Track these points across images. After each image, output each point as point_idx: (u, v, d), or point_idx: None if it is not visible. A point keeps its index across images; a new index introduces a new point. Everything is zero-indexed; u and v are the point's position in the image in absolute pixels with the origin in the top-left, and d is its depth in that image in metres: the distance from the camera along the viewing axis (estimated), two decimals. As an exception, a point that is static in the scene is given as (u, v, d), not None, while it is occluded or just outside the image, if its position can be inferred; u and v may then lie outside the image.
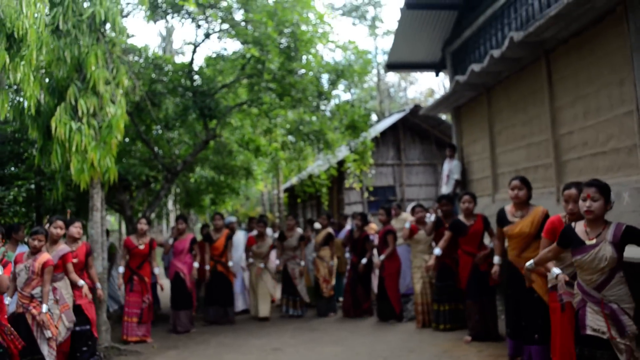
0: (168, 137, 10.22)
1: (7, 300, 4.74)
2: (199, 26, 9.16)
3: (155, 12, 8.64)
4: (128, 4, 8.44)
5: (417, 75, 32.84)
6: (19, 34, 5.30)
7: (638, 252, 4.62)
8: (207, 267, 8.15)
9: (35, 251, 5.13)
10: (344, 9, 26.82)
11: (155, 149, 9.77)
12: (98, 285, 6.05)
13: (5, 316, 4.52)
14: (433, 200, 15.12)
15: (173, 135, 10.41)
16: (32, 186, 7.91)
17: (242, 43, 8.85)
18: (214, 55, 9.68)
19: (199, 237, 9.13)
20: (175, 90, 9.18)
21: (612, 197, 3.53)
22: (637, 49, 4.94)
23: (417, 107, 15.31)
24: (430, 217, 7.45)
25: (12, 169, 8.34)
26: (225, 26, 8.97)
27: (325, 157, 12.07)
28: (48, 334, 5.03)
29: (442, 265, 6.74)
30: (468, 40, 9.00)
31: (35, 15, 5.49)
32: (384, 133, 15.40)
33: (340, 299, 8.76)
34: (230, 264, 8.34)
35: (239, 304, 9.02)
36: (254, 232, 9.03)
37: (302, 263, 8.71)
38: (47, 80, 6.66)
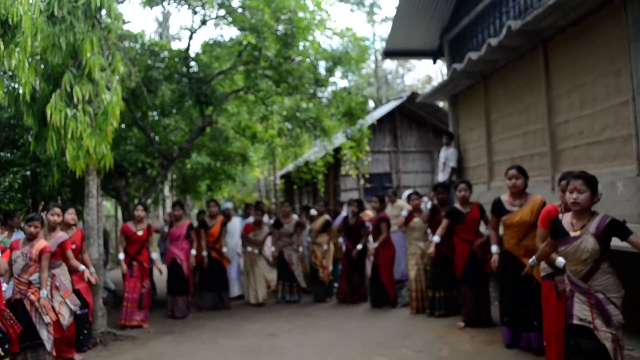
0: (164, 124, 10.19)
1: (4, 286, 4.77)
2: (195, 12, 9.09)
3: (151, -3, 8.57)
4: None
5: (414, 62, 32.68)
6: (13, 21, 5.26)
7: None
8: (205, 254, 8.19)
9: (31, 237, 5.15)
10: (342, -6, 26.62)
11: (152, 135, 9.75)
12: (92, 270, 6.07)
13: (3, 302, 4.55)
14: (429, 188, 15.17)
15: (169, 121, 10.37)
16: (28, 172, 7.91)
17: (239, 30, 8.79)
18: (211, 42, 9.62)
19: (195, 223, 9.14)
20: (171, 77, 9.13)
21: (600, 190, 3.56)
22: (635, 40, 4.94)
23: (414, 95, 15.30)
24: (427, 204, 7.48)
25: (8, 155, 8.32)
26: (222, 12, 8.91)
27: (321, 144, 12.06)
28: (47, 319, 5.07)
29: (437, 253, 6.78)
30: (466, 28, 8.97)
31: (30, 1, 5.45)
32: (380, 120, 15.38)
33: (336, 284, 8.82)
34: (224, 249, 8.37)
35: (235, 290, 9.08)
36: (251, 219, 9.06)
37: (301, 249, 8.76)
38: (42, 66, 6.64)
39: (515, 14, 7.25)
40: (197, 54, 9.55)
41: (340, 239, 8.51)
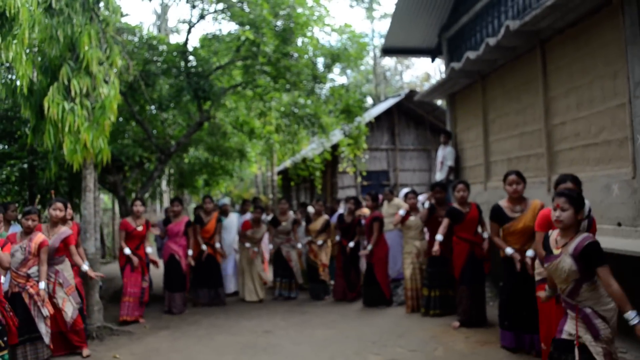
0: (162, 118, 10.17)
1: (2, 279, 4.78)
2: (194, 6, 9.07)
3: (150, -10, 8.54)
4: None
5: (413, 59, 32.69)
6: (10, 13, 5.25)
7: (630, 244, 4.70)
8: (204, 247, 8.19)
9: (29, 231, 5.15)
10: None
11: (149, 129, 9.74)
12: (87, 264, 6.06)
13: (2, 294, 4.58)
14: (426, 186, 15.22)
15: (167, 116, 10.36)
16: (25, 165, 7.89)
17: (238, 24, 8.77)
18: (209, 36, 9.59)
19: (191, 217, 9.14)
20: (169, 71, 9.12)
21: (586, 208, 3.53)
22: (632, 42, 4.95)
23: (412, 92, 15.30)
24: (425, 204, 7.47)
25: (5, 147, 8.30)
26: (221, 6, 8.89)
27: (319, 141, 12.07)
28: (45, 312, 5.08)
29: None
30: (464, 26, 8.97)
31: (28, -7, 5.42)
32: (378, 117, 15.38)
33: (332, 282, 8.83)
34: (217, 245, 8.36)
35: (231, 286, 9.07)
36: (248, 216, 9.05)
37: (300, 246, 8.77)
38: (39, 59, 6.61)
39: (514, 13, 7.25)
40: (196, 49, 9.53)
41: (337, 237, 8.49)
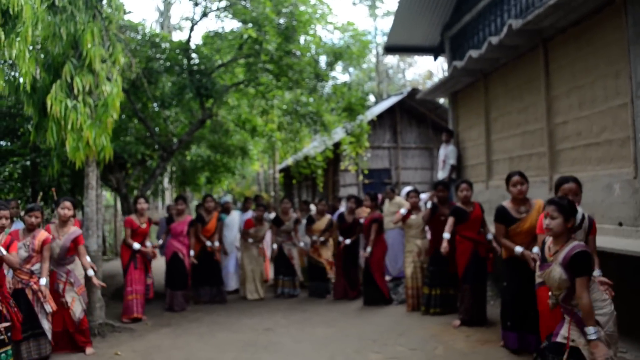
0: (164, 116, 10.19)
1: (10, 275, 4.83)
2: (196, 4, 9.08)
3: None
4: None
5: (416, 57, 32.64)
6: (14, 10, 5.25)
7: (631, 244, 4.70)
8: (208, 243, 8.21)
9: (32, 228, 5.18)
10: (344, -13, 26.55)
11: (152, 127, 9.75)
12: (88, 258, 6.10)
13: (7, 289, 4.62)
14: (428, 184, 15.21)
15: (169, 113, 10.38)
16: (28, 162, 7.93)
17: (241, 22, 8.78)
18: (212, 34, 9.60)
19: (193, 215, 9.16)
20: (172, 69, 9.13)
21: (579, 216, 3.55)
22: (634, 42, 4.94)
23: (414, 91, 15.28)
24: (428, 204, 7.45)
25: (8, 144, 8.34)
26: (223, 4, 8.90)
27: (321, 139, 12.07)
28: (48, 308, 5.11)
29: (436, 251, 6.83)
30: (467, 25, 8.96)
31: (31, -9, 5.43)
32: (380, 116, 15.38)
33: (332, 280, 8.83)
34: (216, 244, 8.37)
35: (232, 284, 9.09)
36: (250, 214, 9.06)
37: (302, 244, 8.78)
38: (42, 56, 6.63)
39: (517, 12, 7.24)
40: (198, 46, 9.53)
41: (340, 237, 8.46)
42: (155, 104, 9.78)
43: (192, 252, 7.96)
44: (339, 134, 12.04)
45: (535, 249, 4.89)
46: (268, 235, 9.28)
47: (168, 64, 9.09)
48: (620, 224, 5.21)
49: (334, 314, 7.27)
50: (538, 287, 4.41)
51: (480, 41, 8.33)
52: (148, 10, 47.44)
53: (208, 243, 8.20)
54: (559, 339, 3.47)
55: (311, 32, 9.05)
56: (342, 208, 9.65)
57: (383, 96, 24.50)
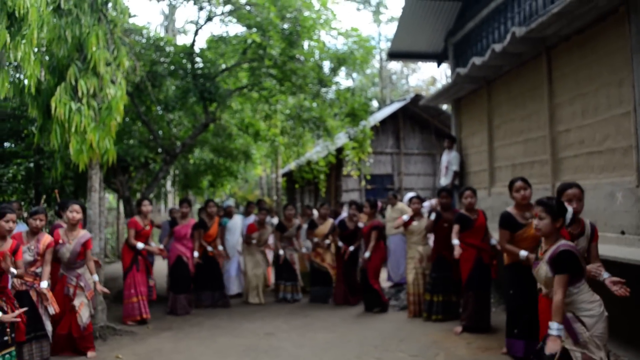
0: (168, 119, 10.22)
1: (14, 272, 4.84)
2: (201, 8, 9.12)
3: (157, -8, 8.60)
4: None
5: (420, 63, 32.67)
6: (20, 13, 5.28)
7: (634, 253, 4.69)
8: (210, 249, 8.22)
9: (36, 231, 5.19)
10: (349, -7, 26.63)
11: (155, 130, 9.78)
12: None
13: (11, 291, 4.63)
14: (431, 190, 15.20)
15: (173, 116, 10.41)
16: (32, 164, 7.95)
17: (247, 27, 8.81)
18: (216, 38, 9.64)
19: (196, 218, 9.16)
20: (176, 73, 9.17)
21: (568, 215, 3.58)
22: (638, 51, 4.95)
23: (417, 97, 15.26)
24: (432, 216, 7.39)
25: (12, 146, 8.37)
26: (228, 8, 8.93)
27: (324, 144, 12.09)
28: (51, 310, 5.12)
29: (438, 257, 6.83)
30: (471, 32, 8.98)
31: (37, -6, 5.46)
32: (383, 121, 15.39)
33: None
34: (219, 247, 8.40)
35: (234, 288, 9.09)
36: (252, 218, 9.06)
37: (304, 250, 8.77)
38: (47, 59, 6.65)
39: (520, 20, 7.25)
40: (202, 50, 9.57)
41: (340, 243, 8.44)
42: (159, 108, 9.81)
43: (196, 254, 7.98)
44: (341, 139, 12.06)
45: None
46: (270, 240, 9.27)
47: (172, 67, 9.12)
48: (623, 233, 5.20)
49: (335, 319, 7.26)
50: (540, 292, 4.40)
51: (483, 48, 8.33)
52: (153, 13, 47.62)
53: (209, 248, 8.21)
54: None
55: (315, 37, 9.07)
56: (345, 213, 9.64)
57: (386, 102, 24.51)
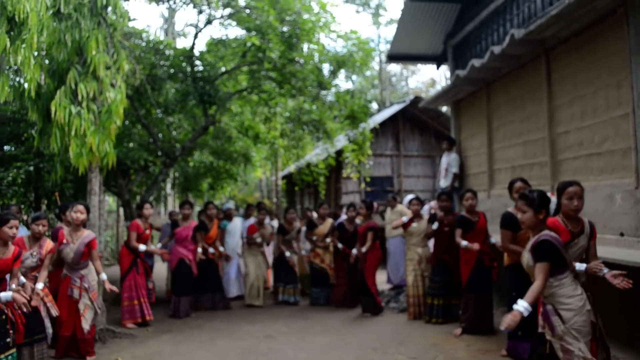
0: (168, 122, 10.24)
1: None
2: (201, 11, 9.13)
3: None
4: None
5: (419, 65, 32.72)
6: (20, 17, 5.30)
7: (633, 255, 4.70)
8: (211, 250, 8.24)
9: (39, 236, 5.19)
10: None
11: (155, 133, 9.79)
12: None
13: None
14: (430, 192, 15.20)
15: (173, 119, 10.43)
16: (31, 168, 7.96)
17: (246, 30, 8.83)
18: (215, 41, 9.66)
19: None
20: (175, 76, 9.18)
21: (552, 207, 3.66)
22: (636, 52, 4.96)
23: (417, 99, 15.29)
24: (434, 225, 7.38)
25: (12, 149, 8.38)
26: (227, 12, 8.95)
27: (323, 146, 12.10)
28: (54, 312, 5.14)
29: (439, 261, 6.83)
30: (470, 34, 8.99)
31: (37, -2, 5.48)
32: (383, 123, 15.41)
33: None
34: (221, 249, 8.41)
35: (234, 290, 9.07)
36: (252, 220, 9.07)
37: (304, 252, 8.77)
38: (47, 63, 6.67)
39: (519, 22, 7.27)
40: (202, 53, 9.59)
41: (340, 245, 8.44)
42: (158, 111, 9.82)
43: (199, 249, 8.01)
44: (341, 141, 12.07)
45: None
46: (270, 245, 9.29)
47: (172, 70, 9.14)
48: (622, 235, 5.20)
49: (335, 321, 7.26)
50: None
51: (482, 50, 8.35)
52: (152, 17, 47.67)
53: (211, 250, 8.22)
54: (539, 329, 3.62)
55: (314, 40, 9.10)
56: (344, 216, 9.63)
57: (386, 104, 24.55)
